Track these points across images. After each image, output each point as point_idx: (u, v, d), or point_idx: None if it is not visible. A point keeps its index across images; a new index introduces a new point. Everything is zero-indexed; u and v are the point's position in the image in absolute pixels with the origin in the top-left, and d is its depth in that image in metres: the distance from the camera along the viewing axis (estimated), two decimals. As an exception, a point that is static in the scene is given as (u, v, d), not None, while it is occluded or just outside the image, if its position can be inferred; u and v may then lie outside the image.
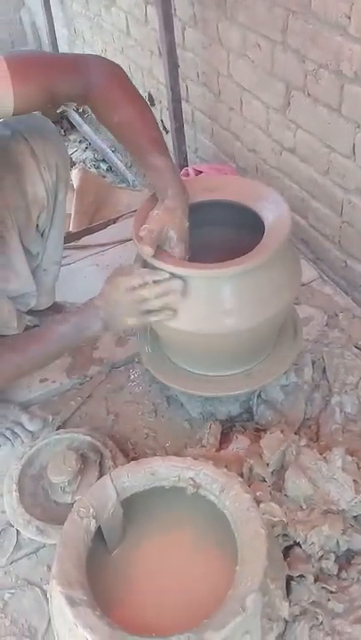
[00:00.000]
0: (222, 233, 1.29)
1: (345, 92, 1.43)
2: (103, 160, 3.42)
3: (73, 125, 3.73)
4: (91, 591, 0.89)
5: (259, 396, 1.34)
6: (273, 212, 1.18)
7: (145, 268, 1.15)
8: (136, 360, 1.49)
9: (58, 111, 3.71)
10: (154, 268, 1.13)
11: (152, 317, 1.14)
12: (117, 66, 1.20)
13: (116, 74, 1.18)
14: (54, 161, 1.32)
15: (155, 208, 1.17)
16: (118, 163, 3.24)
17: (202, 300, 1.13)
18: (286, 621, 0.98)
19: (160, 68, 2.17)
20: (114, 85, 1.17)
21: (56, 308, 1.56)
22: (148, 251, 1.12)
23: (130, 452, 1.30)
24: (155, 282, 1.11)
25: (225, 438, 1.27)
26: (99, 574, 0.95)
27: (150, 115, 1.20)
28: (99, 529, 0.97)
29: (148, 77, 2.58)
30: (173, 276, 1.11)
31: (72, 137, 3.72)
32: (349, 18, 1.34)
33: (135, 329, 1.39)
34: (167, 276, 1.11)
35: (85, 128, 3.58)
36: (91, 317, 1.15)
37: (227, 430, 1.30)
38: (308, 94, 1.56)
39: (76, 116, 3.69)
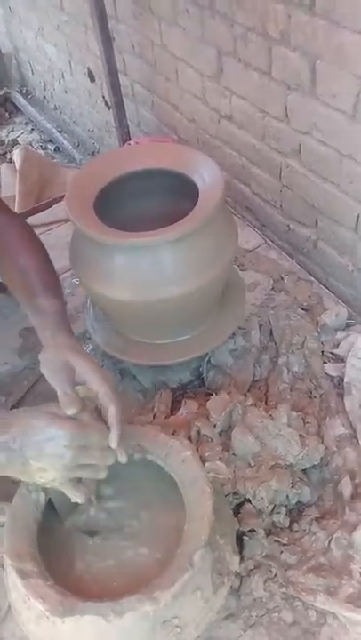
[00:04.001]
0: (158, 201, 1.28)
1: (273, 54, 1.42)
2: (50, 141, 3.38)
3: (17, 107, 3.67)
4: (43, 562, 0.90)
5: (208, 361, 1.36)
6: (206, 176, 1.19)
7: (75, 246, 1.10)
8: (87, 336, 1.49)
9: (0, 93, 3.65)
10: (87, 239, 1.12)
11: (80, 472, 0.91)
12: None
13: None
14: None
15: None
16: (65, 143, 3.20)
17: (140, 268, 1.13)
18: (241, 576, 1.00)
19: (96, 42, 2.13)
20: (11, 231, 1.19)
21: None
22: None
23: (84, 427, 1.30)
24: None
25: (177, 406, 1.29)
26: (53, 545, 0.96)
27: (45, 259, 1.16)
28: (50, 501, 0.98)
29: (86, 53, 2.54)
30: (109, 247, 1.10)
31: (17, 119, 3.66)
32: (271, -23, 1.33)
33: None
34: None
35: (30, 109, 3.52)
36: None
37: (179, 398, 1.32)
38: (239, 59, 1.56)
39: (21, 98, 3.63)
